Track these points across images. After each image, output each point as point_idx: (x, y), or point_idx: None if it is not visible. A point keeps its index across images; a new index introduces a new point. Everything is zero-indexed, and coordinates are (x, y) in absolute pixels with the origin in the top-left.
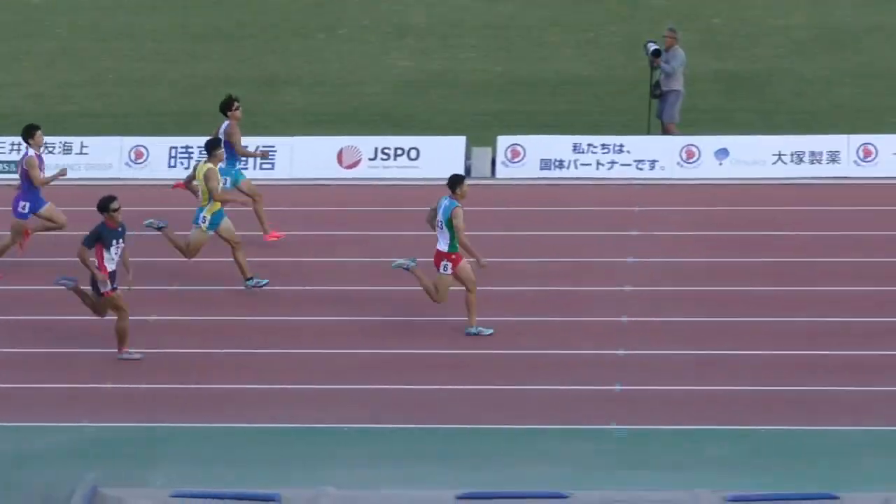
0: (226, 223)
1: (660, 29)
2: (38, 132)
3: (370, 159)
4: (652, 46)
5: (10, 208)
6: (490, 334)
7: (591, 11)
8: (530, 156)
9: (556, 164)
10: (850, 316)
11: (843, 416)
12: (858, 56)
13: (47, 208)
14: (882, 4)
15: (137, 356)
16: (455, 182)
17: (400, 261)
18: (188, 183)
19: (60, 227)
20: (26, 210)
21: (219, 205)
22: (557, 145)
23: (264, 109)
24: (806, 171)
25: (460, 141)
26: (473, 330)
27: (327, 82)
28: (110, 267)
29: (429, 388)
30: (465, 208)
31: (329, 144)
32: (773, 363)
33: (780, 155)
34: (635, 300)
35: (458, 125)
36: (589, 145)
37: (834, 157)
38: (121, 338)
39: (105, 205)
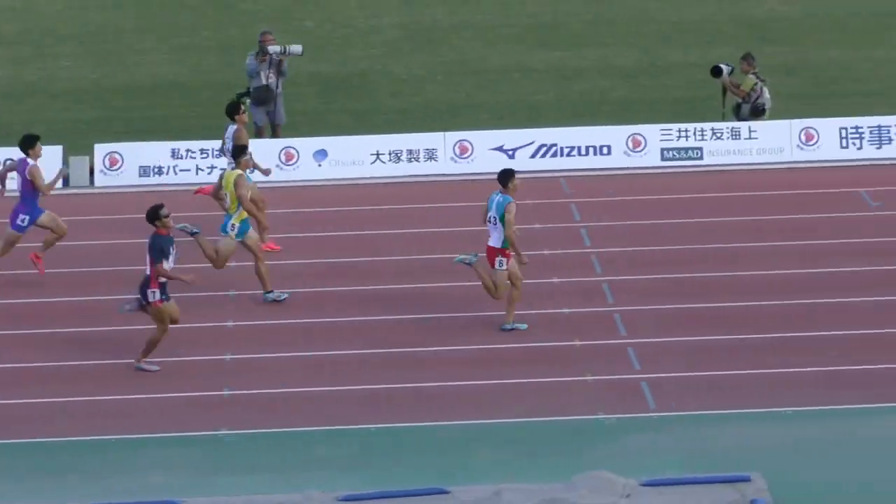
0: (252, 233)
1: (253, 32)
2: (39, 143)
3: None
4: None
5: (7, 220)
6: (525, 329)
7: (183, 16)
8: (129, 163)
9: (156, 170)
10: (450, 312)
11: (455, 411)
12: (450, 53)
13: (46, 216)
14: (472, 2)
15: (155, 368)
16: (507, 177)
17: (462, 256)
18: (215, 192)
19: (62, 236)
20: (25, 223)
21: (245, 213)
22: (155, 152)
23: None
24: (405, 169)
25: (57, 150)
26: (509, 326)
27: None
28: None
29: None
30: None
31: None
32: (378, 361)
33: (378, 154)
34: (238, 304)
35: (55, 134)
36: (188, 151)
37: (431, 155)
38: (148, 349)
39: (155, 213)
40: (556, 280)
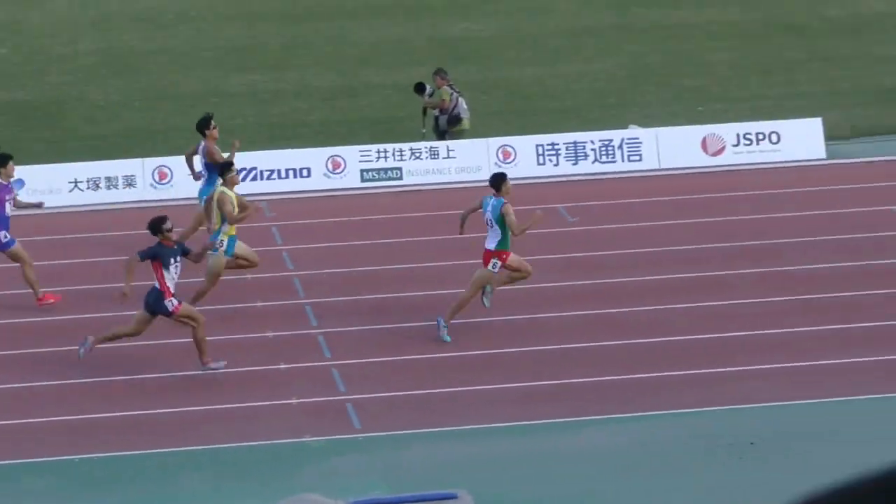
0: (240, 244)
1: None
2: (11, 162)
3: None
4: None
5: None
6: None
7: None
8: None
9: None
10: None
11: (159, 439)
12: (147, 79)
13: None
14: (167, 28)
15: (221, 364)
16: (499, 180)
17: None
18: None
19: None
20: (8, 238)
21: (234, 229)
22: None
23: None
24: (103, 196)
25: None
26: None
27: None
28: (172, 286)
29: None
30: None
31: None
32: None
33: (76, 182)
34: None
35: None
36: None
37: (130, 182)
38: (201, 348)
39: (157, 226)
40: (259, 304)
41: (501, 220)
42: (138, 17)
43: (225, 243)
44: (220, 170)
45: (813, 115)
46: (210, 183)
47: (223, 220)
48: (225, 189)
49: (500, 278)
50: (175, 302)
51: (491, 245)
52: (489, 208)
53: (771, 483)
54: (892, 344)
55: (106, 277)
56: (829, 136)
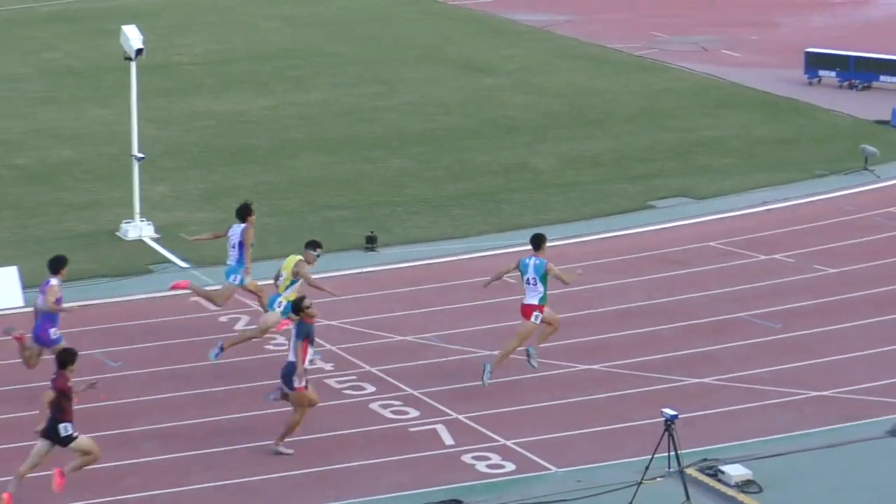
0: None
1: None
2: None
3: None
4: None
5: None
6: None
7: None
8: None
9: None
10: None
11: None
12: None
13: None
14: None
15: (290, 451)
16: (540, 241)
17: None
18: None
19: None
20: (57, 336)
21: (294, 294)
22: None
23: None
24: None
25: None
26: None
27: None
28: (308, 363)
29: None
30: None
31: None
32: None
33: None
34: None
35: None
36: None
37: None
38: (286, 432)
39: (299, 305)
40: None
41: (545, 278)
42: None
43: (283, 305)
44: (308, 245)
45: (9, 263)
46: (240, 263)
47: (291, 284)
48: (302, 259)
49: (540, 335)
50: (303, 381)
51: (534, 300)
52: (531, 268)
53: None
54: None
55: None
56: (29, 284)
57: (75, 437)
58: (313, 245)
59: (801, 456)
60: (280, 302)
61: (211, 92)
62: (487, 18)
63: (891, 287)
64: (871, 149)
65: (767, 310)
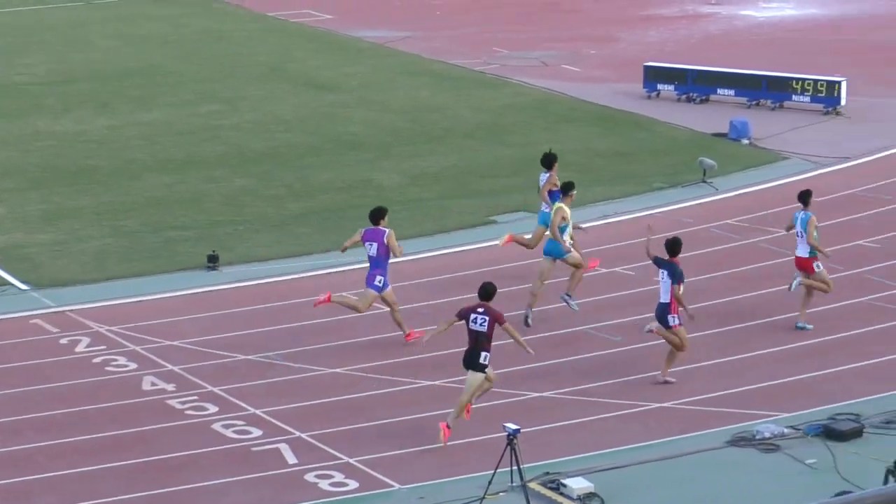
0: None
1: None
2: None
3: None
4: None
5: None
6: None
7: None
8: None
9: None
10: None
11: None
12: None
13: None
14: None
15: (673, 380)
16: (807, 195)
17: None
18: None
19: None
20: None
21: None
22: None
23: None
24: None
25: None
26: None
27: None
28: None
29: None
30: None
31: None
32: None
33: None
34: None
35: None
36: None
37: None
38: (669, 362)
39: (675, 246)
40: None
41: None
42: None
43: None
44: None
45: None
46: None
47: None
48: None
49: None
50: (677, 319)
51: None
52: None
53: None
54: None
55: None
56: None
57: None
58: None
59: (643, 468)
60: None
61: (52, 112)
62: (329, 35)
63: (730, 298)
64: (710, 161)
65: (608, 323)
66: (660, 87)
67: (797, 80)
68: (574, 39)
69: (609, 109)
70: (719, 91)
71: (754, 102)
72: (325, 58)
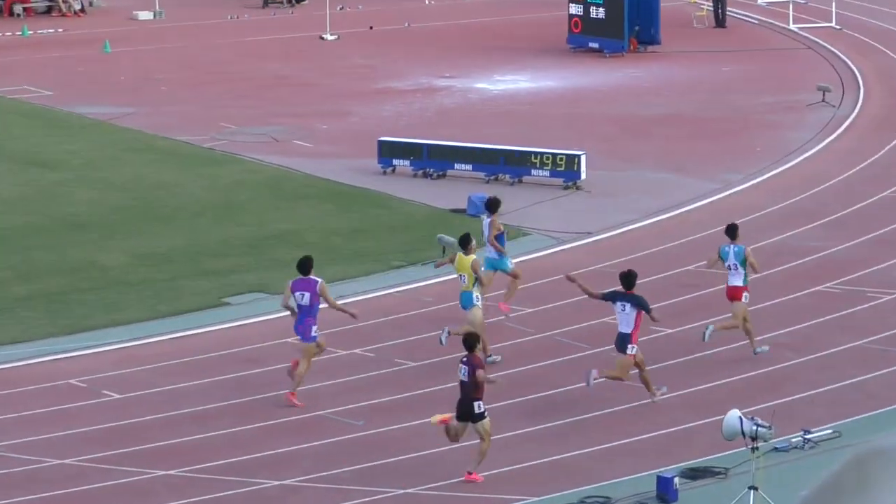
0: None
1: None
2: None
3: None
4: None
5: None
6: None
7: None
8: None
9: None
10: None
11: None
12: None
13: None
14: None
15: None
16: (734, 230)
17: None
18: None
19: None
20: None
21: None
22: None
23: None
24: None
25: None
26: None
27: None
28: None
29: None
30: None
31: None
32: None
33: None
34: None
35: None
36: None
37: None
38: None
39: (632, 279)
40: None
41: (745, 262)
42: None
43: (479, 299)
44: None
45: None
46: (500, 253)
47: (476, 281)
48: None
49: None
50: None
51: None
52: (732, 255)
53: None
54: None
55: None
56: None
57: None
58: (467, 240)
59: None
60: (476, 297)
61: None
62: (49, 112)
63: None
64: (449, 238)
65: (348, 407)
66: (395, 162)
67: (535, 153)
68: (305, 115)
69: (344, 186)
70: (456, 166)
71: (493, 177)
72: (45, 135)
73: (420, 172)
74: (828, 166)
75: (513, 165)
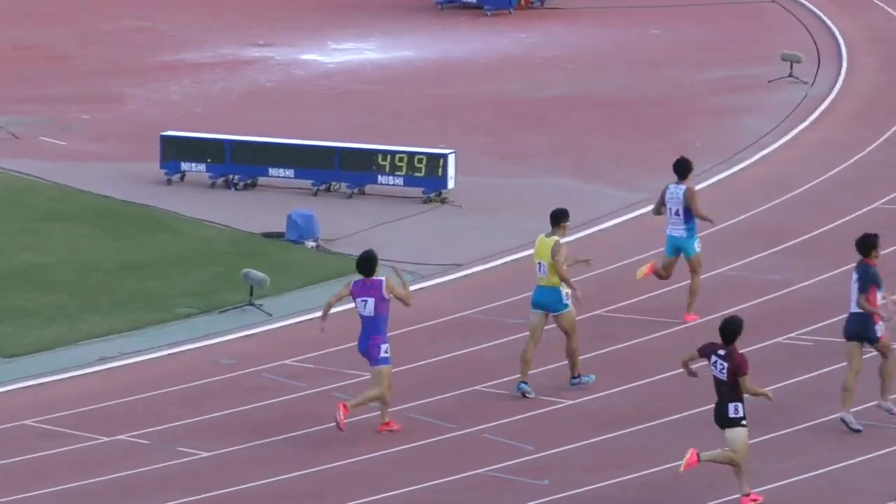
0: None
1: None
2: None
3: None
4: None
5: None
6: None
7: None
8: None
9: None
10: None
11: None
12: None
13: None
14: None
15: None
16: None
17: None
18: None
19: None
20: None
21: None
22: None
23: None
24: None
25: None
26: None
27: None
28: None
29: None
30: None
31: None
32: None
33: None
34: None
35: None
36: None
37: None
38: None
39: (871, 243)
40: None
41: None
42: None
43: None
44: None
45: None
46: (690, 231)
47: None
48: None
49: None
50: (882, 328)
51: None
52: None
53: None
54: None
55: None
56: None
57: None
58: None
59: None
60: (566, 294)
61: None
62: None
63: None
64: (258, 275)
65: None
66: (185, 166)
67: (385, 153)
68: (58, 100)
69: (112, 201)
70: (272, 171)
71: (324, 187)
72: None
73: (220, 181)
74: (796, 167)
75: (352, 170)
